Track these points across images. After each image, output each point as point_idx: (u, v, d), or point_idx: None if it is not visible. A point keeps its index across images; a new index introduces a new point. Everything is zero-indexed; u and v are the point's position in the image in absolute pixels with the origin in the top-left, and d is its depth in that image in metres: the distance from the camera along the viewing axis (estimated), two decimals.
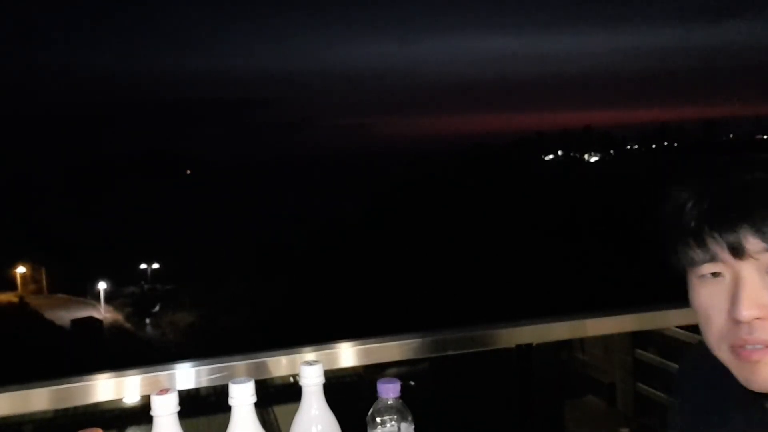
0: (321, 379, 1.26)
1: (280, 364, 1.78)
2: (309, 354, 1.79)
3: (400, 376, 1.31)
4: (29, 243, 53.76)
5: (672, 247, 0.99)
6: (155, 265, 50.46)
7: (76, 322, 39.83)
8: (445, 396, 2.78)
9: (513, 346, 2.03)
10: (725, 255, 0.91)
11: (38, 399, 1.68)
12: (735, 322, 0.92)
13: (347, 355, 1.86)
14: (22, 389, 1.66)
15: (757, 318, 0.90)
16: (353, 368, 1.95)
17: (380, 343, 1.89)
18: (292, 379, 1.86)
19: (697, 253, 0.94)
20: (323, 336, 2.10)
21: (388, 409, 1.28)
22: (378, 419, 1.28)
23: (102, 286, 44.65)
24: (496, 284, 38.52)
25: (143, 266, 50.13)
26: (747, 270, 0.91)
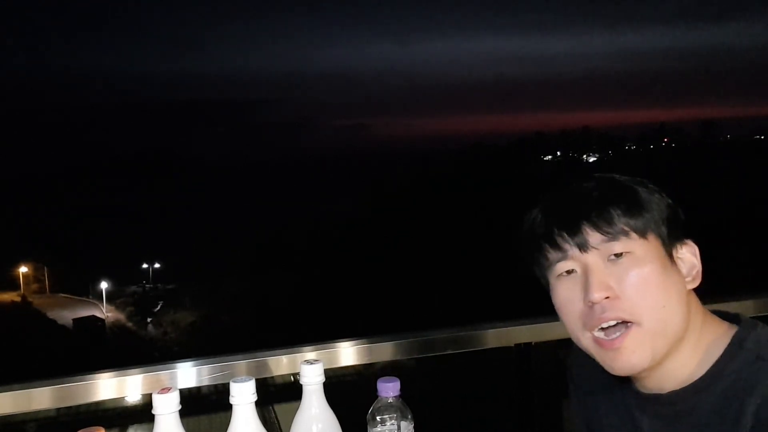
0: (321, 378, 1.27)
1: (280, 363, 1.78)
2: (309, 353, 1.80)
3: (400, 375, 1.32)
4: (31, 243, 53.82)
5: (531, 257, 1.19)
6: (157, 265, 50.54)
7: (78, 322, 39.93)
8: (444, 395, 2.79)
9: (512, 345, 2.04)
10: (573, 251, 1.10)
11: (41, 398, 1.68)
12: (590, 306, 1.08)
13: (347, 354, 1.86)
14: (25, 388, 1.66)
15: (607, 297, 1.06)
16: (353, 367, 1.96)
17: (380, 342, 1.90)
18: (292, 378, 1.87)
19: (551, 254, 1.13)
20: (324, 335, 2.10)
21: (388, 408, 1.28)
22: (378, 418, 1.28)
23: (104, 285, 44.72)
24: (495, 283, 38.46)
25: (145, 266, 50.21)
26: (592, 260, 1.09)
